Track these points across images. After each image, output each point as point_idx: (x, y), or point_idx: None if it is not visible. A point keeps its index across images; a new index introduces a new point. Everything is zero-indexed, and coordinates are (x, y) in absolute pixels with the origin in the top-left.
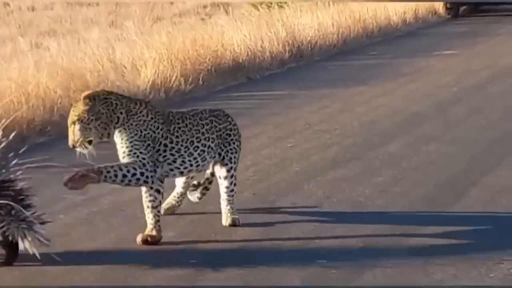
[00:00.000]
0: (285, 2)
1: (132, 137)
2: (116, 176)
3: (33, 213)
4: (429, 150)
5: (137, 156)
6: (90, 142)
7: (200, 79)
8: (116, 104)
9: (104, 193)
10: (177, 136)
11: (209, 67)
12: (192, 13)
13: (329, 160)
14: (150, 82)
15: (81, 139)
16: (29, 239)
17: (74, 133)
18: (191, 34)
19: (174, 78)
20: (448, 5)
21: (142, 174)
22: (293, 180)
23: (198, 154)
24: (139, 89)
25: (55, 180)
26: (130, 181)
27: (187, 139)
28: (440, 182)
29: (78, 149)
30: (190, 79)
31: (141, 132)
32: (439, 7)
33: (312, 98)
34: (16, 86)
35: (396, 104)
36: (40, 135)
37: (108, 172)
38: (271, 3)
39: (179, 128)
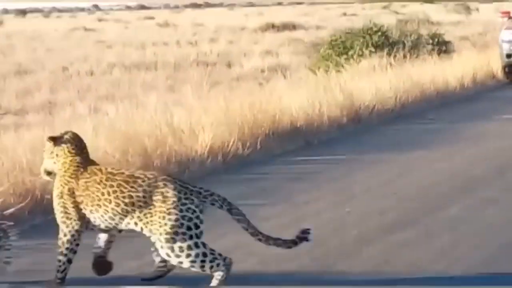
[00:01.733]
0: (343, 66)
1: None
2: (60, 261)
3: None
4: (489, 214)
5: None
6: (49, 173)
7: (258, 143)
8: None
9: None
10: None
11: (267, 132)
12: (249, 78)
13: (388, 225)
14: (208, 147)
15: (45, 168)
16: None
17: (43, 163)
18: (249, 98)
19: (232, 142)
20: (506, 69)
21: (68, 241)
22: (352, 244)
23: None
24: (197, 154)
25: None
26: (67, 250)
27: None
28: (499, 246)
29: (42, 174)
30: (248, 144)
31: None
32: (498, 71)
33: (370, 163)
34: None
35: (455, 168)
36: None
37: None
38: (328, 67)
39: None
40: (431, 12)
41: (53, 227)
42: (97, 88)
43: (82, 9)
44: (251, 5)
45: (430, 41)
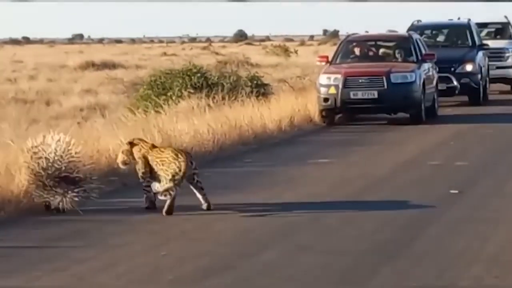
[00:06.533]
0: (161, 107)
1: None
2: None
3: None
4: (306, 261)
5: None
6: (126, 164)
7: None
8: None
9: None
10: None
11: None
12: (68, 116)
13: (203, 267)
14: (24, 187)
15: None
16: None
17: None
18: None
19: None
20: (323, 113)
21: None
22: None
23: None
24: (13, 194)
25: None
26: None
27: None
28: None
29: (120, 165)
30: None
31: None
32: (315, 114)
33: (185, 206)
34: None
35: (270, 213)
36: None
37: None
38: (147, 108)
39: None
40: (250, 53)
41: None
42: None
43: None
44: (72, 43)
45: (249, 83)
